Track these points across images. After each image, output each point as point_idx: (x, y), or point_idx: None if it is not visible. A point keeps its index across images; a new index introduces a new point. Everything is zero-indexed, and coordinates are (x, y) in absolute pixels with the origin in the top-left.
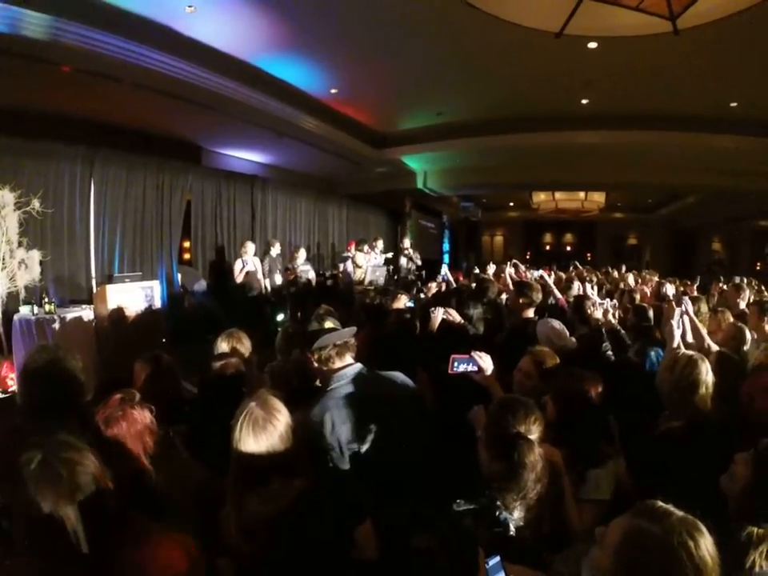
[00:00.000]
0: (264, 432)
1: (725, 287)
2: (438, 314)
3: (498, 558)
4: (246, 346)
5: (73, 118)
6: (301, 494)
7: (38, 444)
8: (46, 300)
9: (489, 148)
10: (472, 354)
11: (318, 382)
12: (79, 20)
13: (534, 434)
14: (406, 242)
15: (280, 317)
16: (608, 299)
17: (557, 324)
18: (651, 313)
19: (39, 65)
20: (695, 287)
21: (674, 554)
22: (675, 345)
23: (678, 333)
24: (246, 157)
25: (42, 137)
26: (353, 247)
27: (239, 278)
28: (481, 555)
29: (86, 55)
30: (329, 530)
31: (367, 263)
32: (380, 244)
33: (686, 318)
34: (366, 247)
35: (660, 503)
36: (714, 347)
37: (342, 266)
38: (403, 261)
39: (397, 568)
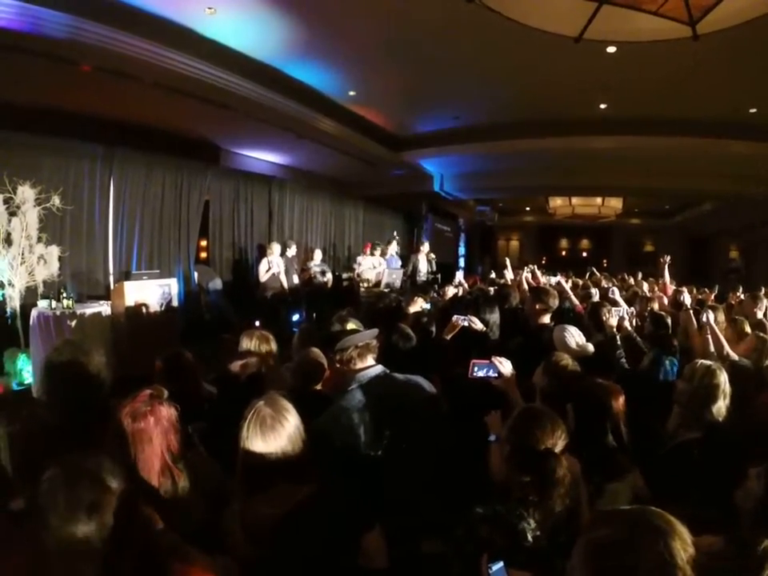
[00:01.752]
0: (272, 432)
1: (742, 296)
2: (459, 323)
3: (501, 564)
4: (270, 345)
5: (93, 117)
6: (307, 497)
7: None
8: (64, 295)
9: (506, 152)
10: (492, 359)
11: (318, 386)
12: (99, 20)
13: (559, 447)
14: (426, 246)
15: (295, 317)
16: (625, 306)
17: (574, 330)
18: (669, 321)
19: (60, 64)
20: (713, 295)
21: (632, 554)
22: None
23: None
24: (264, 158)
25: (62, 135)
26: (369, 249)
27: (264, 277)
28: (484, 560)
29: (106, 55)
30: (334, 535)
31: (375, 267)
32: (392, 248)
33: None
34: (377, 250)
35: (613, 508)
36: (734, 356)
37: (357, 268)
38: (423, 264)
39: (408, 573)
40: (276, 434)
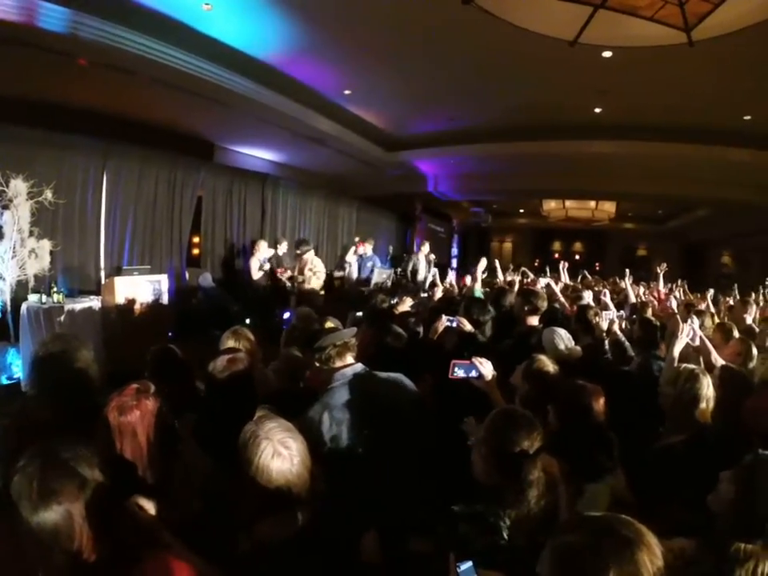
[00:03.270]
0: (290, 466)
1: (731, 302)
2: (443, 322)
3: (470, 564)
4: (250, 343)
5: (88, 111)
6: (315, 515)
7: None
8: (55, 290)
9: (500, 154)
10: (473, 359)
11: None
12: (97, 14)
13: (535, 448)
14: (426, 246)
15: (286, 315)
16: (614, 309)
17: (563, 332)
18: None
19: (56, 57)
20: (709, 300)
21: (598, 564)
22: (675, 359)
23: (678, 350)
24: (258, 155)
25: (56, 128)
26: (361, 248)
27: (257, 275)
28: (451, 559)
29: (103, 49)
30: (339, 543)
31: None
32: (367, 247)
33: (694, 332)
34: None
35: (583, 514)
36: (721, 362)
37: (347, 267)
38: (423, 264)
39: (398, 571)
40: (293, 466)
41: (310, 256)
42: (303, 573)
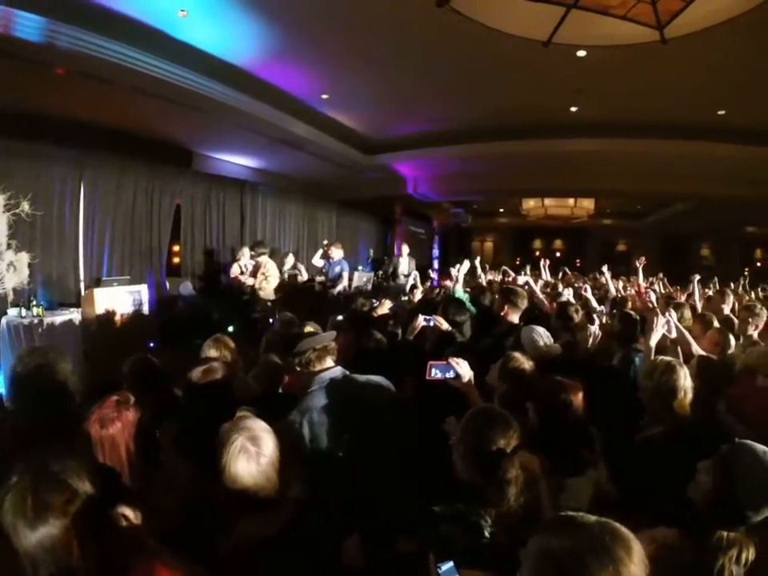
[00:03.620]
0: (257, 465)
1: (710, 292)
2: (419, 322)
3: (451, 564)
4: (231, 351)
5: (64, 121)
6: (293, 516)
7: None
8: (35, 303)
9: (479, 155)
10: (449, 360)
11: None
12: (73, 22)
13: (512, 446)
14: (405, 248)
15: (270, 321)
16: (595, 305)
17: (542, 330)
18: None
19: (33, 66)
20: (687, 293)
21: (587, 569)
22: (652, 352)
23: (654, 341)
24: (237, 161)
25: (32, 138)
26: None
27: (236, 281)
28: (431, 560)
29: (80, 58)
30: (320, 548)
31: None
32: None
33: (672, 326)
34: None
35: (573, 514)
36: (701, 352)
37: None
38: (404, 266)
39: (381, 573)
40: (261, 466)
41: (264, 259)
42: (281, 574)
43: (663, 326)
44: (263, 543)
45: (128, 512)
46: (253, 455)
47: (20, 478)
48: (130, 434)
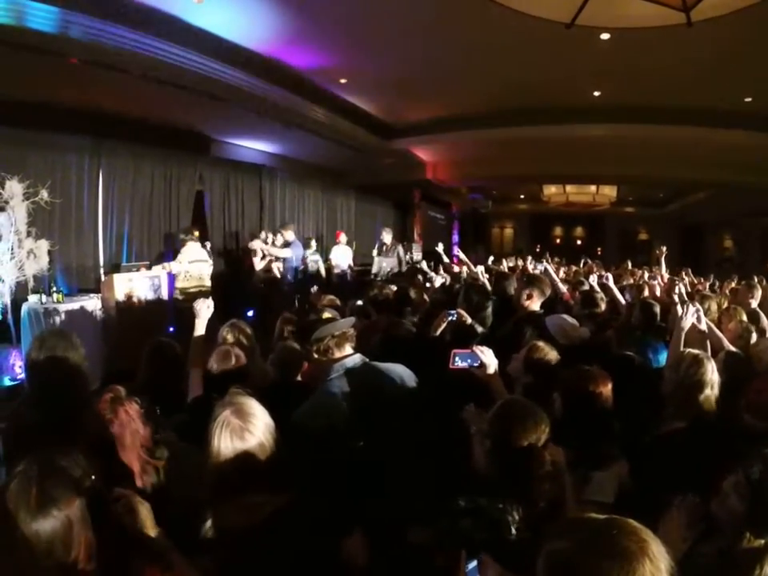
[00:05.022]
0: (241, 441)
1: (734, 285)
2: (445, 318)
3: (475, 563)
4: (247, 336)
5: (80, 110)
6: (281, 508)
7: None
8: (54, 289)
9: (499, 140)
10: (474, 348)
11: (299, 377)
12: (86, 11)
13: (543, 440)
14: (386, 235)
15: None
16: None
17: (569, 317)
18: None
19: (47, 57)
20: (708, 285)
21: (597, 568)
22: (681, 342)
23: (684, 330)
24: (255, 146)
25: (49, 128)
26: (341, 236)
27: (259, 266)
28: (462, 557)
29: (94, 47)
30: (310, 544)
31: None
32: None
33: (702, 316)
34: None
35: (582, 516)
36: (730, 347)
37: (332, 256)
38: (401, 252)
39: (390, 562)
40: (246, 442)
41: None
42: (264, 563)
43: (693, 315)
44: (244, 532)
45: (139, 505)
46: (237, 429)
47: (26, 468)
48: (131, 429)
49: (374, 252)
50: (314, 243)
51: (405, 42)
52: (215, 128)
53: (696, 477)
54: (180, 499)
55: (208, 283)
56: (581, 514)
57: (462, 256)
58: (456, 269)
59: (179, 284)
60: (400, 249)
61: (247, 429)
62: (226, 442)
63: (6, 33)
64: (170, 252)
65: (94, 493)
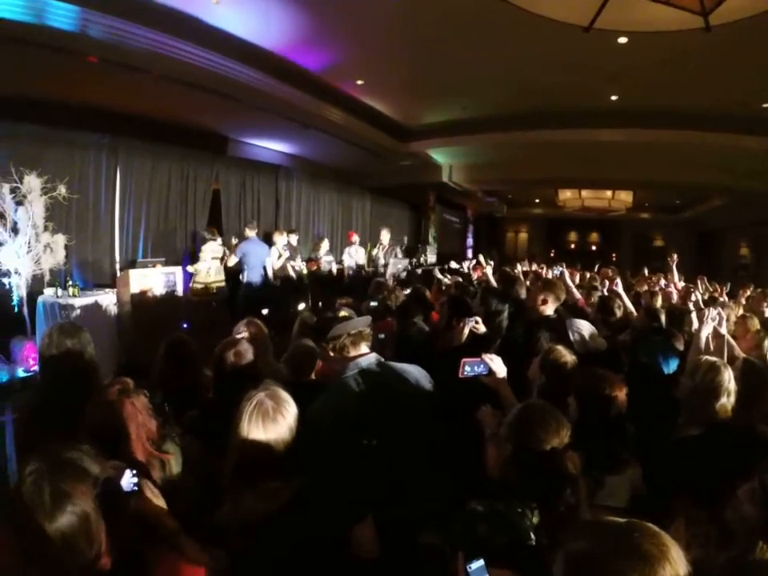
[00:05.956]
0: (273, 423)
1: (750, 293)
2: (467, 326)
3: (481, 562)
4: (262, 334)
5: (98, 108)
6: (298, 492)
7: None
8: (70, 283)
9: (514, 143)
10: (483, 356)
11: (312, 375)
12: (106, 10)
13: (565, 444)
14: (384, 234)
15: (301, 305)
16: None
17: (588, 325)
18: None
19: (66, 55)
20: (724, 292)
21: (618, 571)
22: (701, 346)
23: (704, 336)
24: (271, 147)
25: (68, 126)
26: (354, 237)
27: (277, 264)
28: (460, 559)
29: (113, 46)
30: (324, 529)
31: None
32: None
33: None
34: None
35: (601, 518)
36: (743, 355)
37: (346, 260)
38: (380, 255)
39: (400, 564)
40: (277, 425)
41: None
42: (278, 551)
43: (714, 320)
44: (261, 519)
45: (152, 494)
46: (269, 411)
47: (36, 467)
48: (137, 421)
49: (374, 252)
50: (327, 243)
51: (421, 45)
52: (232, 128)
53: (710, 484)
54: (185, 493)
55: (223, 278)
56: (598, 517)
57: (483, 261)
58: (474, 275)
59: (201, 279)
60: (398, 250)
61: (280, 412)
62: (257, 423)
63: (25, 31)
64: (185, 251)
65: (105, 481)
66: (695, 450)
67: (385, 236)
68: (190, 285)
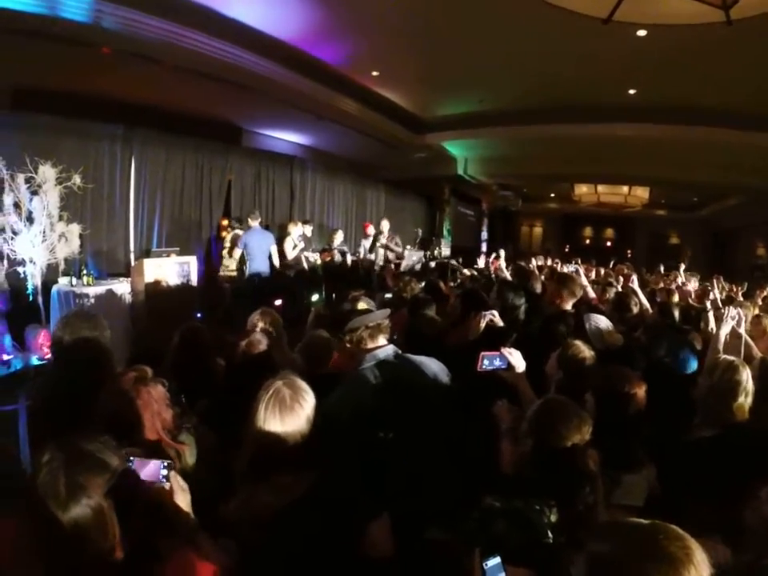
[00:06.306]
0: (291, 413)
1: (766, 293)
2: (485, 318)
3: (498, 559)
4: (277, 324)
5: (113, 98)
6: (313, 486)
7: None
8: (85, 272)
9: (531, 137)
10: (502, 350)
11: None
12: (119, 1)
13: (586, 441)
14: (384, 225)
15: (315, 297)
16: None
17: (606, 320)
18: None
19: (79, 46)
20: (740, 292)
21: (638, 573)
22: (720, 344)
23: (723, 334)
24: (286, 138)
25: (82, 116)
26: (369, 228)
27: (291, 255)
28: (476, 555)
29: (126, 37)
30: (338, 524)
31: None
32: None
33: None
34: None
35: (625, 520)
36: (760, 355)
37: (362, 249)
38: (380, 251)
39: (413, 560)
40: (294, 414)
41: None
42: (291, 546)
43: (733, 318)
44: (273, 514)
45: (178, 490)
46: (286, 399)
47: (51, 457)
48: (152, 410)
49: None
50: (341, 234)
51: (438, 36)
52: (247, 118)
53: (725, 486)
54: (199, 484)
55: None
56: (619, 518)
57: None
58: (492, 268)
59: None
60: (397, 239)
61: (297, 401)
62: (273, 412)
63: (39, 22)
64: (209, 238)
65: (123, 473)
66: (710, 451)
67: (385, 225)
68: (220, 273)
